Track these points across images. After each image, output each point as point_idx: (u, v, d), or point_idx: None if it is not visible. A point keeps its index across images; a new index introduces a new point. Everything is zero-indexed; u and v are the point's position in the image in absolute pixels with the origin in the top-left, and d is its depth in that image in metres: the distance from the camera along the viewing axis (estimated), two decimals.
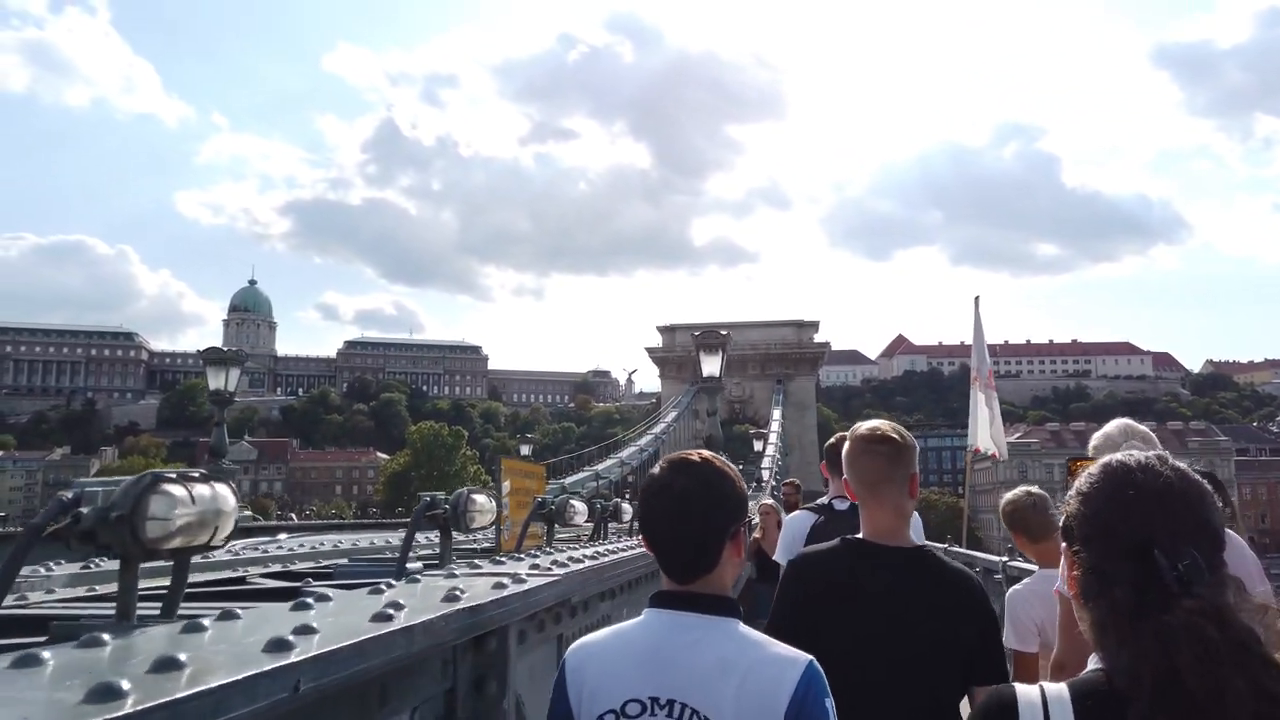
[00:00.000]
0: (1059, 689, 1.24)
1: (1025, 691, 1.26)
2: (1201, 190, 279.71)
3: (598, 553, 3.79)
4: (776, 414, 45.38)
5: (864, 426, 2.53)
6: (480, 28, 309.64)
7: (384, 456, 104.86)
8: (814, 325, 55.38)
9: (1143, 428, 2.95)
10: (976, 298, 13.58)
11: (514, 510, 4.26)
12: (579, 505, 4.29)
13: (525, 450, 30.67)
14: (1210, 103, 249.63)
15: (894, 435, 2.47)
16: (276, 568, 4.32)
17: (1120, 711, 1.15)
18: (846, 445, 2.53)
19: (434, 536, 3.53)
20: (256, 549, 5.15)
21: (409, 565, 2.87)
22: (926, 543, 2.81)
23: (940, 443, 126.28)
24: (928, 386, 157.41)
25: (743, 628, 1.72)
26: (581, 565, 3.02)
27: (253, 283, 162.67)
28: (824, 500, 4.26)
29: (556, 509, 4.39)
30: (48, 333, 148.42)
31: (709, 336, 16.63)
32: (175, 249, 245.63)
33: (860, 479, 2.46)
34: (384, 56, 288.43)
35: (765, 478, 29.45)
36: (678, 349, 51.50)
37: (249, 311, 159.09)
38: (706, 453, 1.85)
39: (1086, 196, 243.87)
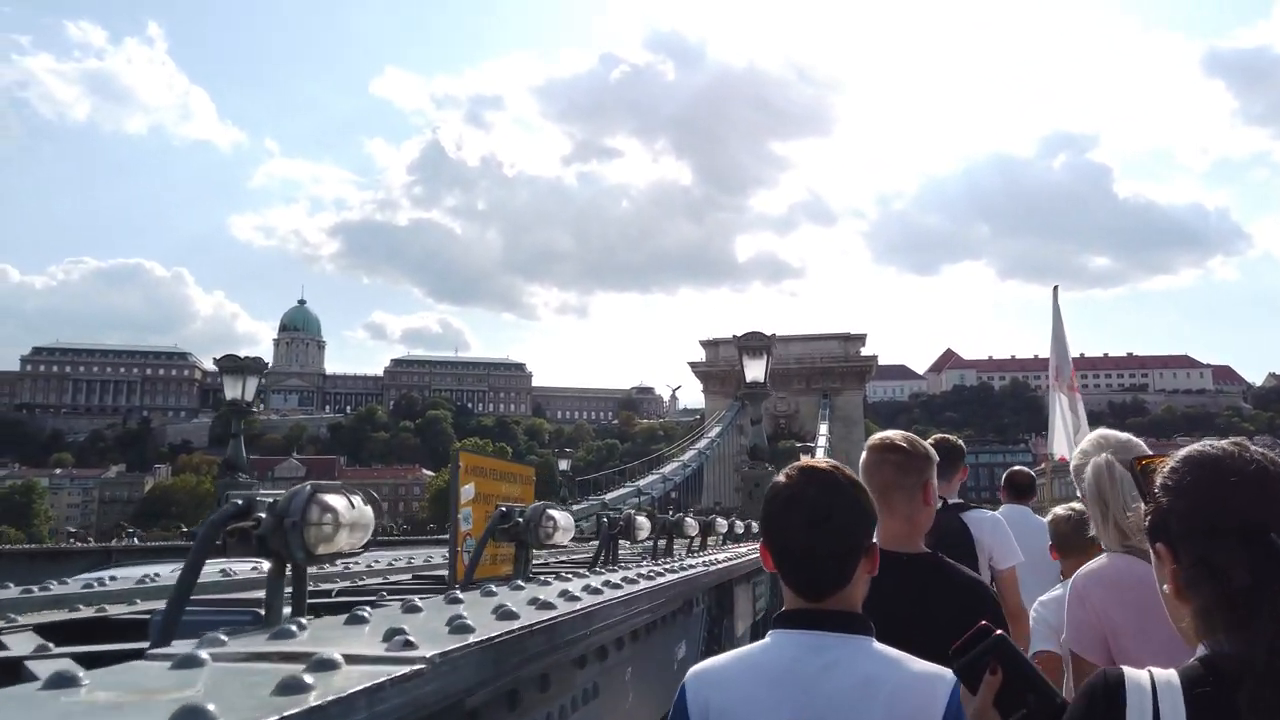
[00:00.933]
0: (1168, 674, 1.24)
1: (1134, 674, 1.26)
2: (1260, 200, 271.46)
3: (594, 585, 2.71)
4: (823, 429, 44.34)
5: (877, 436, 2.59)
6: (524, 51, 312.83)
7: (429, 473, 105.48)
8: (861, 338, 54.18)
9: (1122, 435, 2.66)
10: (1055, 288, 12.27)
11: (478, 525, 3.45)
12: (559, 517, 3.16)
13: (563, 465, 30.14)
14: (1267, 110, 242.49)
15: (903, 444, 2.51)
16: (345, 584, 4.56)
17: (1230, 696, 1.17)
18: (862, 455, 2.56)
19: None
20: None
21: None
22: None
23: (992, 459, 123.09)
24: (978, 401, 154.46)
25: (879, 645, 1.63)
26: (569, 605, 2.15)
27: (302, 302, 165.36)
28: None
29: (526, 523, 3.05)
30: (105, 353, 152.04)
31: (752, 339, 15.45)
32: (229, 271, 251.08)
33: (872, 487, 2.27)
34: (430, 80, 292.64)
35: None
36: (721, 363, 50.70)
37: (298, 331, 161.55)
38: (832, 460, 1.76)
39: (1140, 207, 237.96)
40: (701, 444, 37.95)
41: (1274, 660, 1.13)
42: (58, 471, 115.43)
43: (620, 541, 4.99)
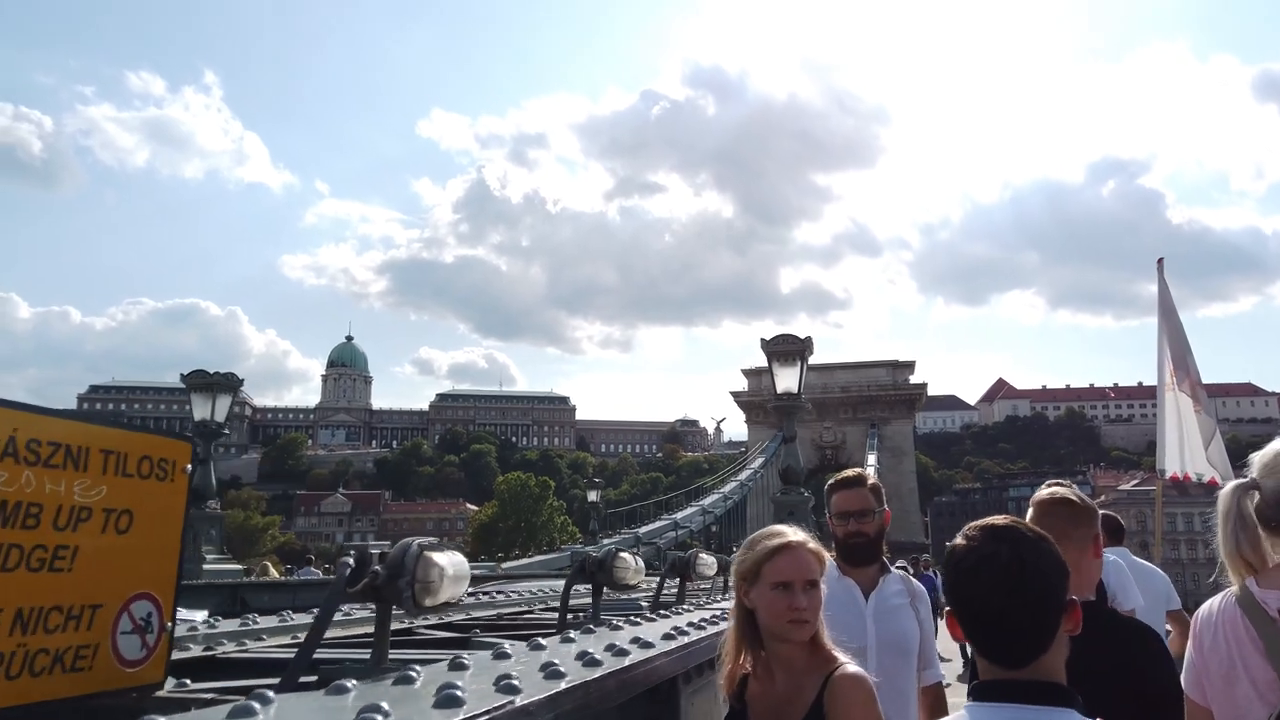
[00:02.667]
0: None
1: None
2: None
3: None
4: (871, 459, 42.87)
5: (1044, 491, 2.60)
6: (566, 90, 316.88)
7: (473, 507, 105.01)
8: (909, 365, 52.64)
9: None
10: (1160, 260, 9.43)
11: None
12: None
13: (593, 496, 29.08)
14: None
15: (1073, 498, 2.56)
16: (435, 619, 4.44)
17: None
18: (1030, 511, 2.55)
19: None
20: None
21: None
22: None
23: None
24: (1032, 432, 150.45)
25: (1081, 718, 1.49)
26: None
27: (349, 339, 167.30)
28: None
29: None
30: (158, 390, 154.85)
31: (782, 343, 12.77)
32: (280, 309, 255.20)
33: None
34: (475, 121, 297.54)
35: None
36: (764, 392, 49.50)
37: (346, 366, 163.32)
38: (1011, 517, 1.65)
39: (1195, 234, 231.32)
40: (743, 475, 36.68)
41: None
42: None
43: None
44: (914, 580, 3.33)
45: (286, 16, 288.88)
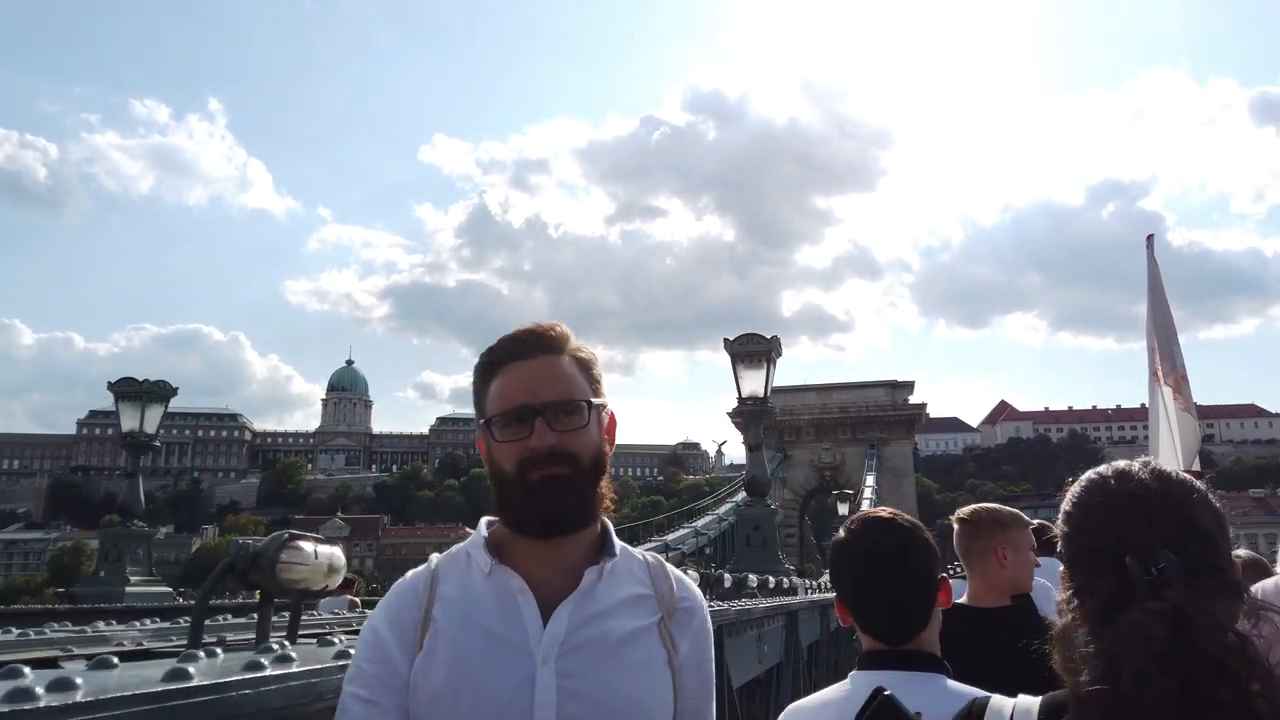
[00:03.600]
0: (1029, 702, 1.26)
1: (998, 702, 1.31)
2: None
3: None
4: (870, 480, 42.39)
5: (957, 514, 3.06)
6: (568, 116, 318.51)
7: (471, 531, 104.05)
8: (908, 385, 52.14)
9: None
10: (1150, 238, 8.54)
11: None
12: (309, 549, 2.29)
13: None
14: None
15: (970, 516, 2.99)
16: None
17: None
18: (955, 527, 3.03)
19: None
20: None
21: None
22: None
23: (1052, 514, 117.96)
24: (1035, 455, 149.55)
25: (952, 683, 1.71)
26: None
27: (350, 363, 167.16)
28: None
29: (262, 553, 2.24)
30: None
31: (748, 342, 11.68)
32: (283, 334, 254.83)
33: (961, 554, 3.02)
34: (477, 146, 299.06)
35: None
36: None
37: (346, 391, 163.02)
38: (888, 510, 1.86)
39: (1196, 256, 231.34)
40: (740, 496, 36.20)
41: (1095, 690, 1.04)
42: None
43: None
44: (676, 574, 1.54)
45: (290, 44, 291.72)
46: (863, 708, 1.49)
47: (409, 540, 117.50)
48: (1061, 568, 1.24)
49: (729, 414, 11.57)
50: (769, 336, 11.73)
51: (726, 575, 7.20)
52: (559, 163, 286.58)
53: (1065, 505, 1.26)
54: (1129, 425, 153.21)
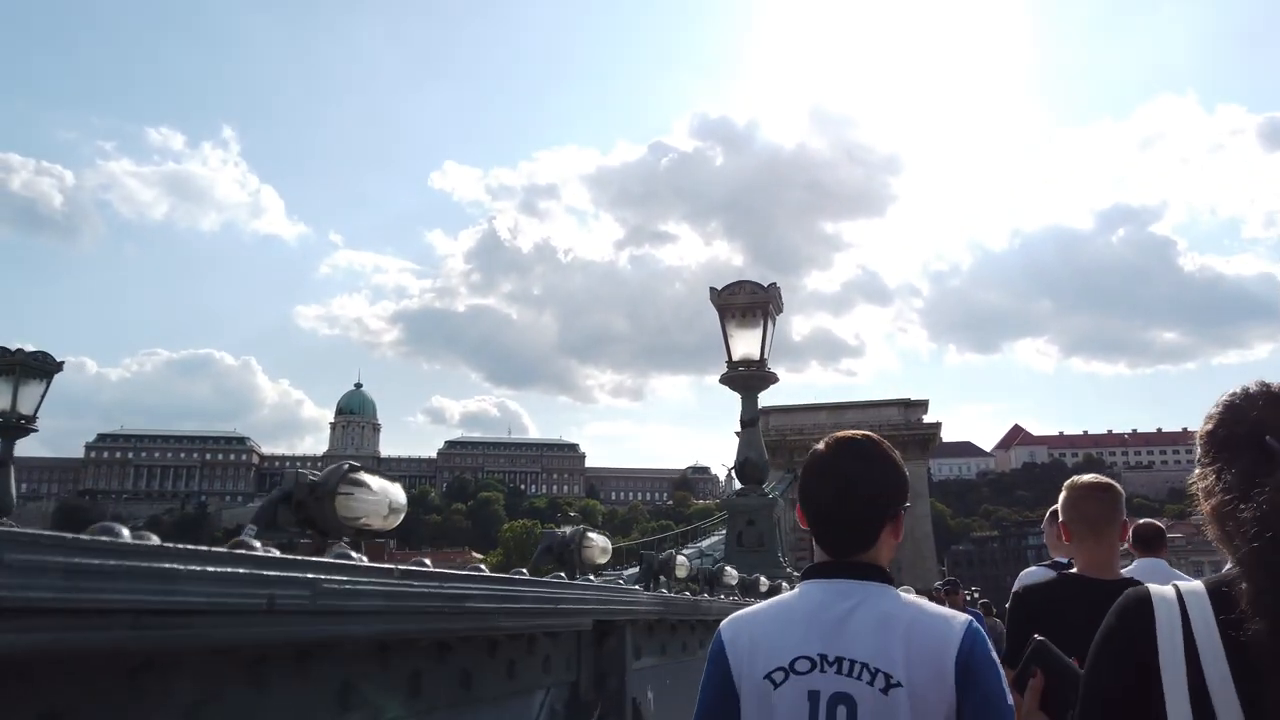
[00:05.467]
0: (1194, 584, 1.36)
1: (1158, 588, 1.39)
2: None
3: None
4: None
5: (1086, 478, 3.00)
6: (576, 143, 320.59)
7: (478, 556, 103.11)
8: (922, 405, 50.92)
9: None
10: None
11: None
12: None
13: (567, 531, 27.46)
14: None
15: (1113, 484, 2.96)
16: None
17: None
18: (1067, 494, 2.95)
19: None
20: None
21: None
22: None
23: None
24: (1050, 479, 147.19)
25: (901, 593, 1.79)
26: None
27: (358, 386, 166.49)
28: (1062, 558, 4.67)
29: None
30: (166, 439, 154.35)
31: (739, 292, 9.26)
32: (294, 359, 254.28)
33: (1085, 519, 2.86)
34: (487, 173, 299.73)
35: None
36: (771, 432, 48.04)
37: (354, 414, 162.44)
38: (869, 433, 1.91)
39: (1208, 281, 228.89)
40: None
41: (1256, 560, 1.20)
42: None
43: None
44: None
45: (302, 73, 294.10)
46: (1023, 654, 1.81)
47: (414, 564, 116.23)
48: (1198, 459, 1.46)
49: (720, 380, 9.23)
50: (766, 285, 9.26)
51: (730, 570, 5.91)
52: (568, 189, 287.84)
53: (1210, 411, 1.49)
54: (1145, 450, 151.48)
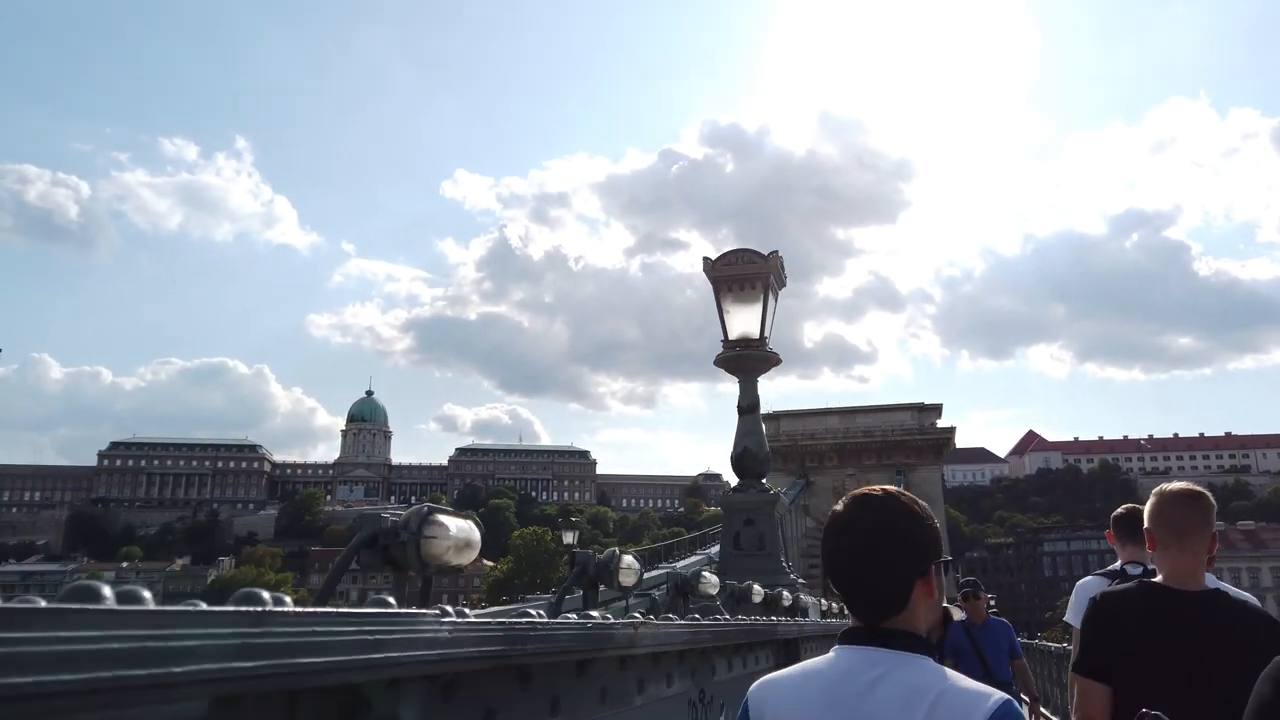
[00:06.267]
0: None
1: None
2: None
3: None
4: None
5: (1175, 485, 2.85)
6: (587, 151, 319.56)
7: (489, 564, 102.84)
8: (936, 409, 50.15)
9: None
10: None
11: None
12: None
13: (568, 538, 26.78)
14: None
15: (1205, 492, 2.81)
16: None
17: None
18: (1155, 500, 2.82)
19: None
20: None
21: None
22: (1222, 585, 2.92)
23: (1084, 545, 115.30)
24: (1065, 485, 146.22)
25: (933, 663, 1.67)
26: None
27: (369, 393, 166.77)
28: (1115, 566, 4.43)
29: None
30: (178, 446, 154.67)
31: (735, 262, 8.34)
32: (307, 368, 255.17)
33: (1171, 527, 2.72)
34: (498, 181, 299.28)
35: None
36: (782, 437, 47.47)
37: (365, 421, 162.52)
38: (891, 488, 1.81)
39: (1223, 285, 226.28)
40: None
41: None
42: (124, 565, 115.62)
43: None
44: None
45: (314, 83, 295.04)
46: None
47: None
48: None
49: (715, 362, 8.27)
50: (767, 254, 8.32)
51: (709, 577, 4.95)
52: (579, 197, 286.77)
53: None
54: (1162, 455, 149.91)
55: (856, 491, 1.79)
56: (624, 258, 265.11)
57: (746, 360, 8.12)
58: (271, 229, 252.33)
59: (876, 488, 1.81)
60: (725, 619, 4.17)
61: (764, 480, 8.24)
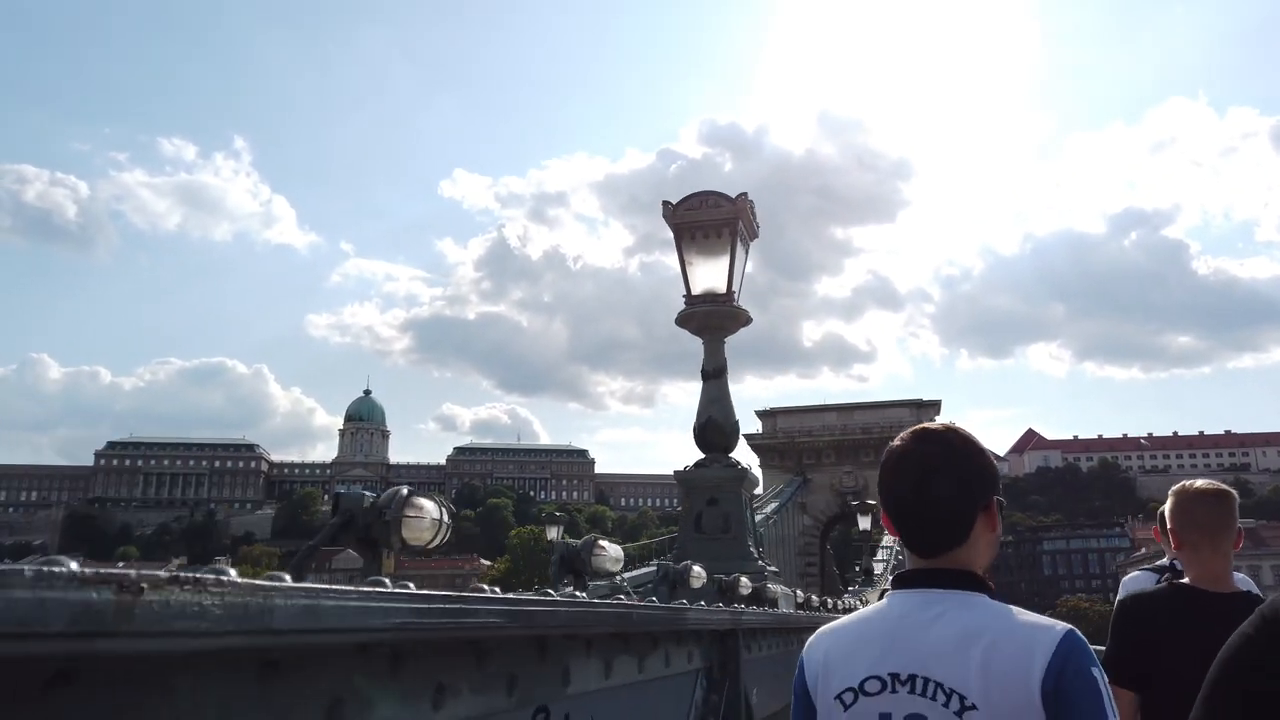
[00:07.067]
0: None
1: None
2: None
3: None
4: None
5: (1198, 483, 2.80)
6: (586, 151, 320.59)
7: (486, 563, 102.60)
8: (934, 405, 49.82)
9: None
10: None
11: None
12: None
13: (553, 534, 26.26)
14: None
15: (1230, 490, 2.76)
16: None
17: None
18: (1179, 499, 2.75)
19: None
20: None
21: None
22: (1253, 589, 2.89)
23: (1084, 544, 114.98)
24: (1064, 484, 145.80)
25: (991, 601, 1.62)
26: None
27: (367, 393, 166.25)
28: (1164, 562, 4.27)
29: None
30: (175, 446, 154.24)
31: (697, 207, 7.40)
32: (306, 368, 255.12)
33: (1199, 527, 2.66)
34: (496, 181, 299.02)
35: (878, 570, 24.23)
36: (779, 434, 47.26)
37: (363, 421, 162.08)
38: (949, 423, 1.82)
39: (1222, 284, 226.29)
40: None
41: None
42: (120, 565, 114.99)
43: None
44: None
45: (313, 83, 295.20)
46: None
47: (422, 573, 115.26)
48: None
49: (676, 321, 7.38)
50: (735, 196, 7.39)
51: (697, 569, 4.61)
52: (577, 196, 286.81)
53: None
54: (1161, 454, 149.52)
55: (918, 426, 1.75)
56: (623, 257, 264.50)
57: (712, 317, 7.20)
58: (270, 229, 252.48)
59: (935, 423, 1.76)
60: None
61: (731, 454, 7.34)
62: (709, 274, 7.23)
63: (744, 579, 4.47)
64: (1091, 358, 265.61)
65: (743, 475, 7.25)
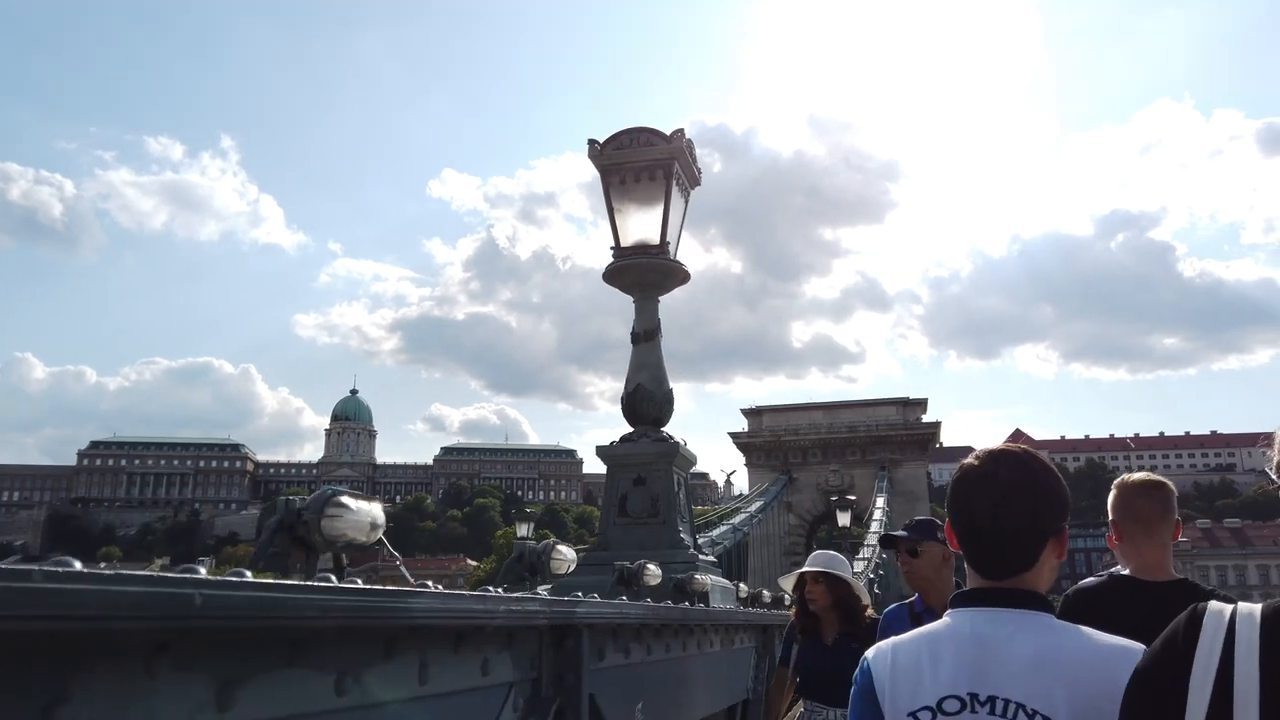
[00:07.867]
0: (1250, 607, 1.29)
1: (1217, 606, 1.32)
2: None
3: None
4: (880, 502, 39.71)
5: (1136, 476, 2.86)
6: (574, 151, 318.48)
7: (473, 563, 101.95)
8: (921, 404, 49.48)
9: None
10: None
11: None
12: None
13: (523, 531, 25.69)
14: None
15: (1165, 481, 2.84)
16: None
17: None
18: (1117, 492, 2.81)
19: None
20: None
21: None
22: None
23: (1072, 544, 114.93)
24: None
25: (1060, 621, 1.62)
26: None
27: (354, 392, 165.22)
28: (1116, 569, 3.81)
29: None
30: (159, 446, 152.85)
31: (628, 147, 6.43)
32: (293, 368, 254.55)
33: (1137, 518, 2.74)
34: (485, 181, 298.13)
35: (860, 569, 23.72)
36: (764, 433, 46.82)
37: (350, 420, 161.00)
38: (1024, 447, 1.78)
39: (1208, 286, 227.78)
40: (738, 519, 33.42)
41: None
42: (103, 566, 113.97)
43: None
44: None
45: (301, 82, 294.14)
46: None
47: (408, 573, 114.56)
48: None
49: (603, 276, 6.53)
50: (670, 134, 6.49)
51: (652, 567, 4.22)
52: (566, 196, 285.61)
53: None
54: (1148, 454, 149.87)
55: (990, 447, 1.73)
56: (611, 257, 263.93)
57: (645, 272, 6.36)
58: (258, 228, 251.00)
59: (1012, 445, 1.74)
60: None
61: (664, 429, 6.35)
62: (641, 223, 6.37)
63: (651, 567, 3.93)
64: (1079, 359, 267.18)
65: (674, 451, 6.18)
